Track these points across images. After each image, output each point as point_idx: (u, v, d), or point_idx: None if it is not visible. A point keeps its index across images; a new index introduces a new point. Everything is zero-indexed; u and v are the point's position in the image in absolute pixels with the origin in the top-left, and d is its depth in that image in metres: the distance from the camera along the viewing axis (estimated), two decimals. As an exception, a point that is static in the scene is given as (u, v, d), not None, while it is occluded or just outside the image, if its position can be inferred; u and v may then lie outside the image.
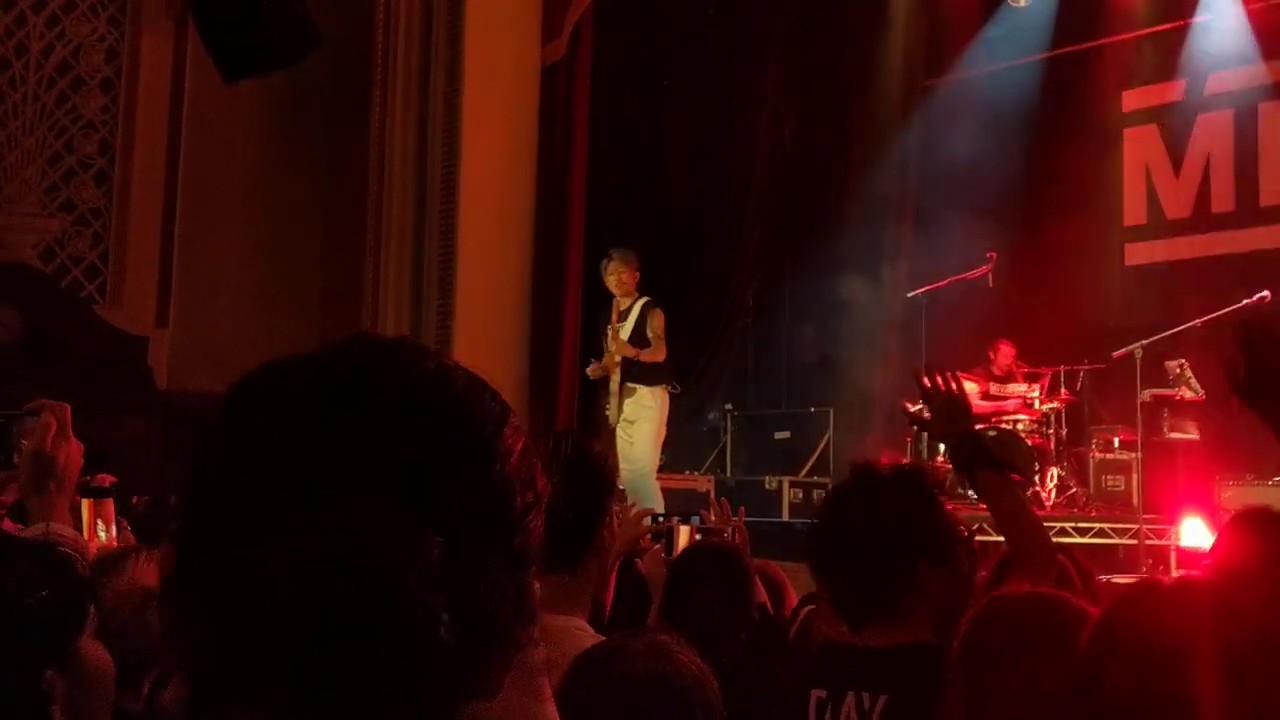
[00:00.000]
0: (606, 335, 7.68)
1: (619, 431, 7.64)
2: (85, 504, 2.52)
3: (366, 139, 9.35)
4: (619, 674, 1.55)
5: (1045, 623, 1.27)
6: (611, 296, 7.81)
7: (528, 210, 9.26)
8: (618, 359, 7.58)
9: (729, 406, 10.00)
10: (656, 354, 7.57)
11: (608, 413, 7.70)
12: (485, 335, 8.83)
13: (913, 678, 2.02)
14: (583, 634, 2.06)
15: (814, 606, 2.66)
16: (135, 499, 5.18)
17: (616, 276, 7.70)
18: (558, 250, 9.30)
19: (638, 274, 7.72)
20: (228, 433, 0.79)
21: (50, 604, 1.67)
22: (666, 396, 7.69)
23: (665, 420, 7.72)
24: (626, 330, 7.60)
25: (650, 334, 7.55)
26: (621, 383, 7.60)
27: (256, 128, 9.85)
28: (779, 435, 9.55)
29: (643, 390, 7.59)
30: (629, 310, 7.68)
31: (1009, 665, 1.18)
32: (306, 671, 0.74)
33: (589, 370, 7.90)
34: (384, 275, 9.11)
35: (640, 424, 7.58)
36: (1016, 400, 8.61)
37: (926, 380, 2.51)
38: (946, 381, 2.49)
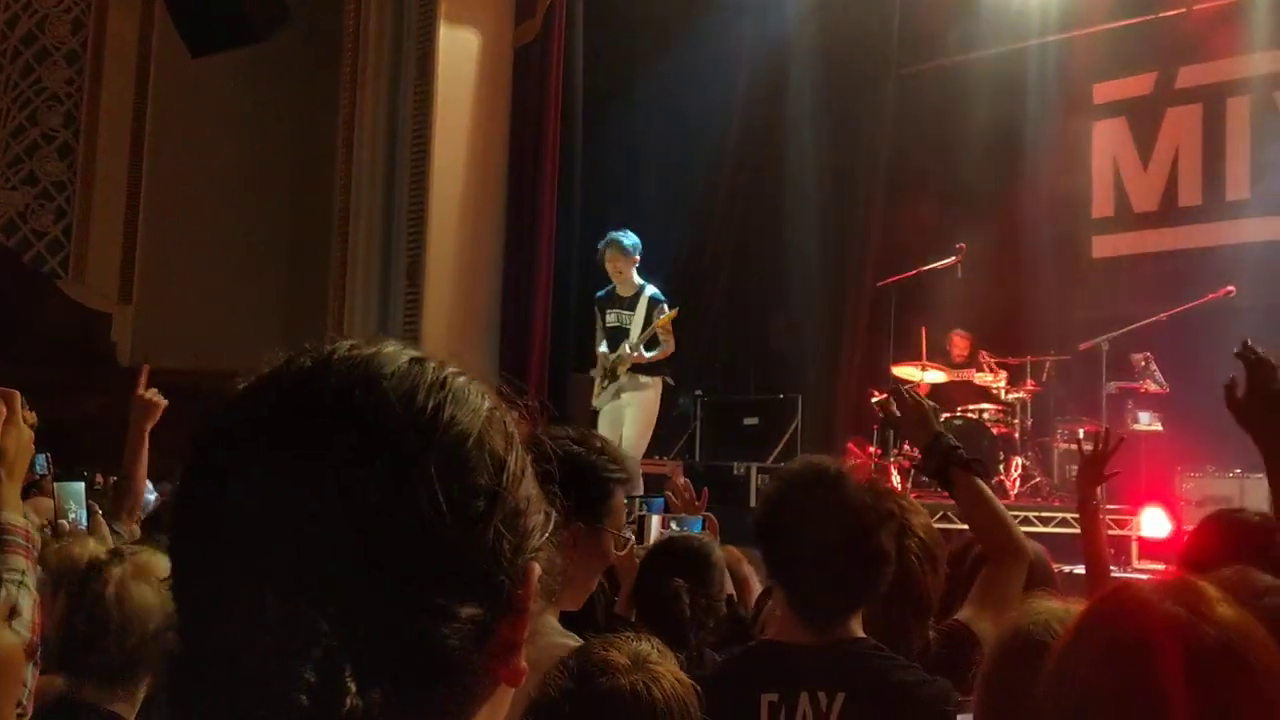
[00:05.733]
0: (598, 326, 7.73)
1: (612, 411, 7.70)
2: (54, 487, 2.51)
3: (336, 116, 9.26)
4: (604, 689, 1.55)
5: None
6: (606, 282, 7.82)
7: (500, 190, 9.22)
8: (626, 368, 7.66)
9: (699, 392, 9.99)
10: (668, 350, 7.70)
11: (596, 400, 7.79)
12: (454, 319, 8.78)
13: (869, 671, 2.03)
14: (552, 632, 2.03)
15: (771, 605, 2.66)
16: (100, 478, 5.10)
17: (613, 265, 7.69)
18: (530, 232, 9.25)
19: (636, 261, 7.72)
20: (185, 514, 0.76)
21: None
22: (663, 386, 7.79)
23: (657, 409, 7.81)
24: (635, 328, 7.63)
25: (661, 333, 7.64)
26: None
27: (224, 103, 9.74)
28: (748, 421, 9.55)
29: (644, 377, 7.67)
30: (635, 300, 7.69)
31: (1030, 683, 1.19)
32: None
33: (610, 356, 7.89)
34: (352, 255, 9.04)
35: (633, 408, 7.68)
36: (979, 387, 8.69)
37: (890, 404, 2.65)
38: (912, 395, 2.63)
